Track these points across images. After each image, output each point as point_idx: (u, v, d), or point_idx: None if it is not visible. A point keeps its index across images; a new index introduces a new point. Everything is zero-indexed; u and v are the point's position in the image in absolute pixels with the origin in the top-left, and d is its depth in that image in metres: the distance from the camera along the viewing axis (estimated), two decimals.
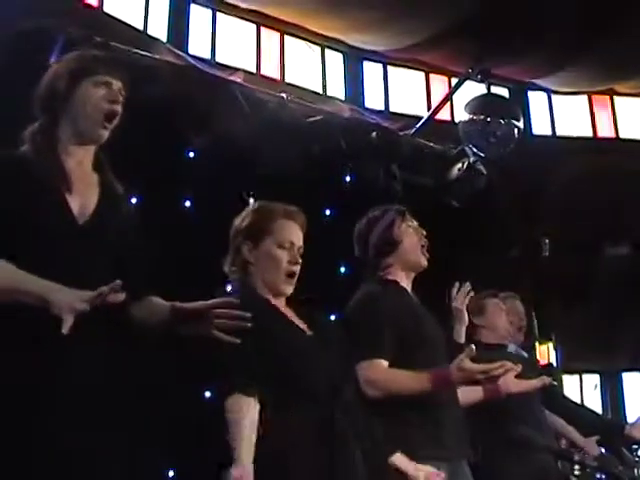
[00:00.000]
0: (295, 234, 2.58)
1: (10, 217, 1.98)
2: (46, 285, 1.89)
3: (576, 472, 3.04)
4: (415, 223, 3.18)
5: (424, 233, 3.15)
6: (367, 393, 2.78)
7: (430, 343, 2.94)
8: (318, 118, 6.38)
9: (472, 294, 3.47)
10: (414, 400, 2.78)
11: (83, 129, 2.16)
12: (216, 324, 2.01)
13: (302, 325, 2.51)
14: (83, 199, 2.11)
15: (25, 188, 2.02)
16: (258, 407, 2.25)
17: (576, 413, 4.08)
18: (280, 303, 2.54)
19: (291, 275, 2.53)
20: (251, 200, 3.28)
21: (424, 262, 3.11)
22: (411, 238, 3.10)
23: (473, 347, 2.73)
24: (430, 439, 2.76)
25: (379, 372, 2.83)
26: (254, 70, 7.87)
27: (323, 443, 2.27)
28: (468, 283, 3.49)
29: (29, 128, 2.17)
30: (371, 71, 9.00)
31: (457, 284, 3.47)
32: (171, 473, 5.12)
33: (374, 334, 2.88)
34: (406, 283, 3.11)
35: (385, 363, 2.84)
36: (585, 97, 10.03)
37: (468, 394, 3.28)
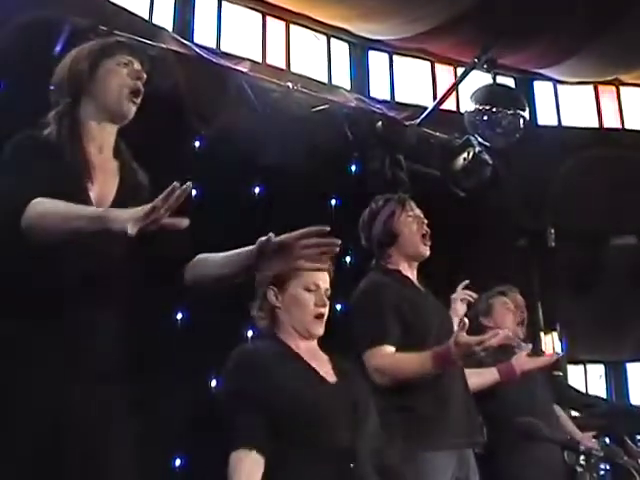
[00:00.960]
0: (321, 277, 2.56)
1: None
2: (98, 209, 1.90)
3: (582, 462, 3.04)
4: (416, 211, 3.19)
5: (425, 221, 3.17)
6: (376, 381, 2.79)
7: (435, 331, 2.95)
8: (323, 107, 6.38)
9: (467, 292, 3.46)
10: (423, 389, 2.79)
11: (110, 104, 2.15)
12: (303, 255, 1.92)
13: (327, 373, 2.49)
14: (102, 188, 2.09)
15: (50, 172, 1.99)
16: (262, 462, 2.26)
17: (581, 400, 4.09)
18: (310, 346, 2.54)
19: (319, 317, 2.53)
20: None
21: (425, 251, 3.13)
22: (410, 228, 3.12)
23: (466, 320, 2.75)
24: (440, 427, 2.77)
25: (385, 358, 2.84)
26: (260, 59, 7.85)
27: None
28: (467, 281, 3.49)
29: (52, 111, 2.14)
30: (377, 60, 8.97)
31: (464, 282, 3.47)
32: (178, 461, 5.15)
33: (377, 321, 2.90)
34: (410, 272, 3.13)
35: (391, 348, 2.86)
36: (591, 87, 9.99)
37: (485, 376, 3.30)
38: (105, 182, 2.11)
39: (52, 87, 2.19)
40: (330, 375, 2.48)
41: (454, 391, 2.87)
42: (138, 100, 2.18)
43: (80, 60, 2.18)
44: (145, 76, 2.21)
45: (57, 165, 2.02)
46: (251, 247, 1.94)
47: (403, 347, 2.87)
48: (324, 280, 2.56)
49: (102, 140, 2.16)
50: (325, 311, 2.54)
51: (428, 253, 3.13)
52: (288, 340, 2.51)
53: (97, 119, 2.15)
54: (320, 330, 2.54)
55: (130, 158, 2.23)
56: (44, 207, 1.87)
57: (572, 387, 4.46)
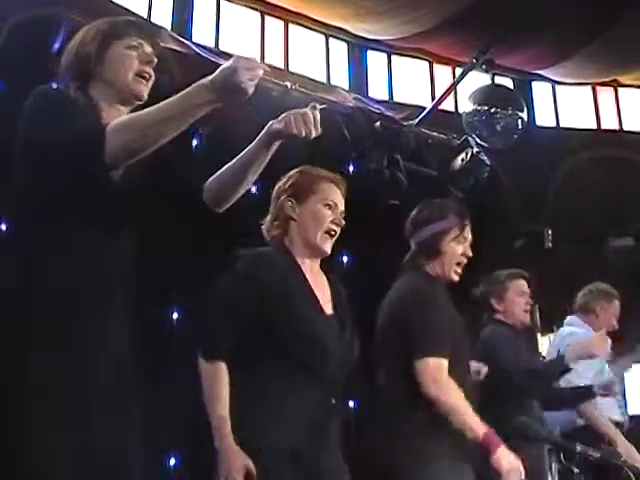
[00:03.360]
0: (338, 198, 2.65)
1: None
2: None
3: (578, 463, 3.04)
4: (469, 238, 3.20)
5: (469, 253, 3.15)
6: (429, 392, 2.76)
7: (463, 345, 2.97)
8: (322, 107, 6.37)
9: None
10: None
11: (120, 88, 2.10)
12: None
13: (325, 302, 2.53)
14: None
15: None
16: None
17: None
18: (314, 265, 2.59)
19: (331, 233, 2.59)
20: None
21: (454, 278, 3.10)
22: (454, 251, 3.11)
23: None
24: (453, 439, 2.77)
25: (444, 374, 2.79)
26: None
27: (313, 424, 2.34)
28: None
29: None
30: (375, 60, 8.96)
31: None
32: (172, 461, 5.12)
33: (438, 333, 2.85)
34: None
35: (447, 364, 2.82)
36: (589, 88, 9.99)
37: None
38: None
39: (61, 70, 2.13)
40: (328, 305, 2.53)
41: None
42: (149, 83, 2.15)
43: (87, 42, 2.12)
44: (156, 59, 2.17)
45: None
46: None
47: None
48: (341, 202, 2.66)
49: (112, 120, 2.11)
50: (338, 230, 2.61)
51: (457, 279, 3.10)
52: (296, 254, 2.56)
53: (108, 101, 2.10)
54: (328, 248, 2.59)
55: None
56: (121, 122, 1.88)
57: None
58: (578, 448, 2.87)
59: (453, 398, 2.77)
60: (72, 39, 2.18)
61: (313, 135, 2.10)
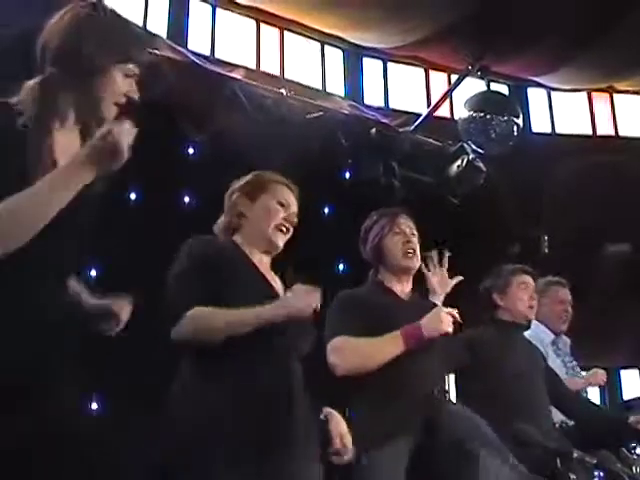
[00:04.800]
0: (291, 199, 2.69)
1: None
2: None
3: (575, 469, 3.04)
4: (405, 226, 3.28)
5: (411, 238, 3.25)
6: (336, 369, 2.93)
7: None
8: (318, 114, 6.39)
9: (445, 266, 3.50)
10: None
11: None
12: None
13: (280, 290, 2.57)
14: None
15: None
16: None
17: (577, 406, 4.04)
18: (263, 261, 2.62)
19: (282, 230, 2.64)
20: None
21: (408, 265, 3.24)
22: (395, 244, 3.23)
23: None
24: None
25: (343, 343, 2.95)
26: (254, 66, 7.85)
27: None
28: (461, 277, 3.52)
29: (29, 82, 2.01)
30: (371, 67, 8.97)
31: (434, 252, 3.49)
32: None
33: (340, 318, 3.04)
34: (398, 285, 3.25)
35: (350, 338, 2.97)
36: (585, 94, 10.01)
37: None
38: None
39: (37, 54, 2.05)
40: (281, 291, 2.57)
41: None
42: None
43: (55, 34, 2.04)
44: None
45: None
46: None
47: None
48: (294, 203, 2.69)
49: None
50: (289, 227, 2.66)
51: (414, 265, 3.25)
52: (246, 250, 2.60)
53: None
54: (280, 242, 2.64)
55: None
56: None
57: (569, 390, 4.36)
58: (575, 454, 2.88)
59: (350, 348, 2.96)
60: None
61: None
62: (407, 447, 2.86)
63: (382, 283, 3.23)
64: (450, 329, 2.93)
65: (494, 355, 3.69)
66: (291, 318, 2.26)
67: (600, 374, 4.46)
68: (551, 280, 4.60)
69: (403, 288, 3.25)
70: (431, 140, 7.10)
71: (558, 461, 3.08)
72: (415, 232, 3.28)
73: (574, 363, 4.71)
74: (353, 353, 2.94)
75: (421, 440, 2.85)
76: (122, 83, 2.08)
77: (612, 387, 9.81)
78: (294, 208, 2.69)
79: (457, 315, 2.93)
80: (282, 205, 2.65)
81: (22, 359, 1.79)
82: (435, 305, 3.24)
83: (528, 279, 3.96)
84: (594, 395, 9.58)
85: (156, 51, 5.64)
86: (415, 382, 2.94)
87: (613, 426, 3.88)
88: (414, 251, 3.23)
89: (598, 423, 3.94)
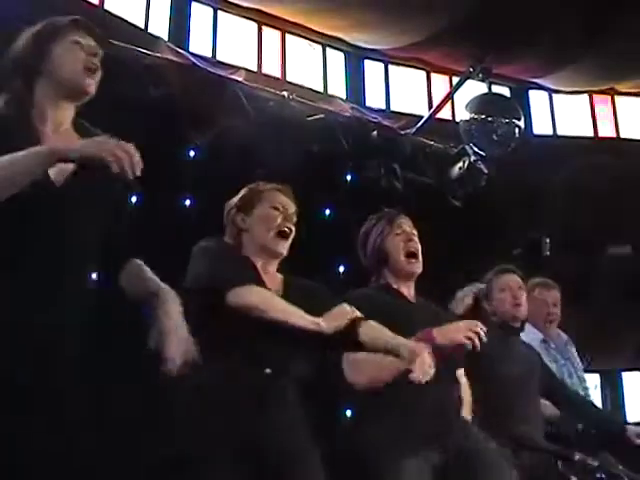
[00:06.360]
0: (286, 201, 2.70)
1: None
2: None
3: (577, 472, 3.03)
4: (405, 227, 3.19)
5: (412, 239, 3.16)
6: (355, 386, 2.85)
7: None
8: (319, 117, 6.38)
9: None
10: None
11: (66, 80, 2.07)
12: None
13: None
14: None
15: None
16: None
17: (577, 406, 4.02)
18: (269, 266, 2.65)
19: (284, 234, 2.64)
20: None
21: (411, 269, 3.13)
22: (397, 247, 3.14)
23: None
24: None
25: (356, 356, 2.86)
26: (255, 69, 7.85)
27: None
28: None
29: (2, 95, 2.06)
30: (372, 70, 8.98)
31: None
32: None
33: None
34: (404, 289, 3.14)
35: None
36: (586, 96, 10.01)
37: None
38: None
39: (3, 67, 2.10)
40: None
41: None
42: (96, 76, 2.12)
43: (33, 39, 2.11)
44: (101, 52, 2.14)
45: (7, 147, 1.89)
46: None
47: None
48: (290, 205, 2.70)
49: (58, 119, 2.09)
50: (290, 228, 2.66)
51: (417, 270, 3.14)
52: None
53: (53, 98, 2.07)
54: (282, 249, 2.65)
55: (93, 129, 2.15)
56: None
57: (570, 389, 4.30)
58: (576, 457, 2.87)
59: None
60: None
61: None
62: (428, 463, 2.73)
63: (390, 285, 3.14)
64: (465, 341, 2.68)
65: (489, 359, 3.67)
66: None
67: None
68: (537, 282, 4.56)
69: (409, 291, 3.17)
70: (433, 142, 7.10)
71: (559, 464, 3.08)
72: (415, 232, 3.23)
73: (574, 361, 4.69)
74: (368, 365, 2.83)
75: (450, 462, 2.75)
76: (71, 48, 2.10)
77: (614, 390, 9.80)
78: (291, 209, 2.69)
79: (481, 331, 2.67)
80: (277, 209, 2.65)
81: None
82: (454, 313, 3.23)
83: (509, 278, 3.91)
84: (596, 397, 9.59)
85: (157, 54, 5.65)
86: (427, 392, 2.82)
87: (604, 426, 3.88)
88: (416, 253, 3.17)
89: (592, 421, 3.94)
